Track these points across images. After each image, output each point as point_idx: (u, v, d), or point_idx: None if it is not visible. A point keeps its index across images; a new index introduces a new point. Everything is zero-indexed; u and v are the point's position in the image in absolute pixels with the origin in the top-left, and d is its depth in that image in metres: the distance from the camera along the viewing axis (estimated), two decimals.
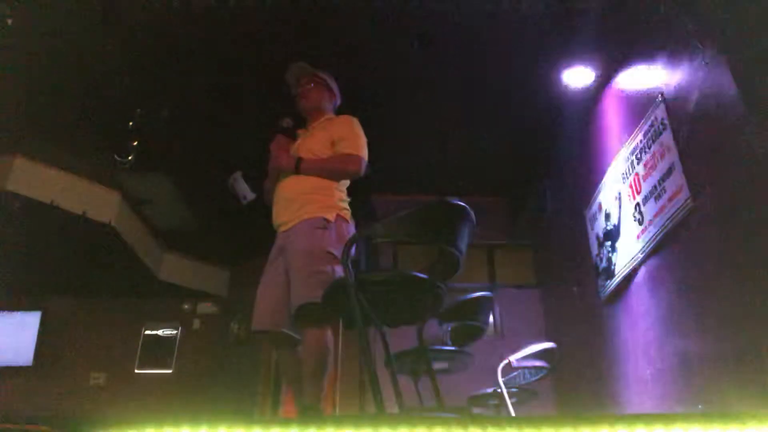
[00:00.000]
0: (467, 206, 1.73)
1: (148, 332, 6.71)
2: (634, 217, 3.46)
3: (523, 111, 4.52)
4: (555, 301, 5.22)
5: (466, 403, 3.36)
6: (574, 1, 3.50)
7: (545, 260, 5.58)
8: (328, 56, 3.62)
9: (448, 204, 1.72)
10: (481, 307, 2.73)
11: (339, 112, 2.65)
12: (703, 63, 2.70)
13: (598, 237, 4.08)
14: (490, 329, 5.30)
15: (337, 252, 2.12)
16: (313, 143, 2.43)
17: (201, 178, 5.17)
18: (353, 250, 1.69)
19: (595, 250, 4.11)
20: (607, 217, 3.91)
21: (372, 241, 4.36)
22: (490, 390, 3.13)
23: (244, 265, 6.38)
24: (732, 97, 2.48)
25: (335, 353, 2.80)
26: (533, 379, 3.27)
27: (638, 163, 3.43)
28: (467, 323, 2.68)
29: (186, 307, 6.85)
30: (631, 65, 3.65)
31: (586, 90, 4.16)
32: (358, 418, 1.10)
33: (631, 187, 3.54)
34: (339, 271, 2.08)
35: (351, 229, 2.31)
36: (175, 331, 6.75)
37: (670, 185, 3.01)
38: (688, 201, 2.82)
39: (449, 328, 2.68)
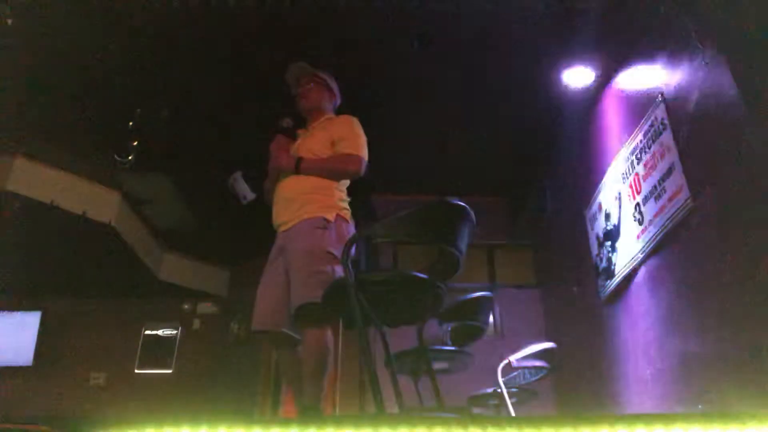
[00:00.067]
0: (467, 206, 1.73)
1: (148, 332, 6.71)
2: (634, 217, 3.46)
3: (523, 111, 4.52)
4: (555, 301, 5.22)
5: (466, 403, 3.36)
6: (574, 1, 3.50)
7: (545, 260, 5.58)
8: (328, 56, 3.63)
9: (448, 204, 1.72)
10: (481, 307, 2.73)
11: (339, 111, 2.65)
12: (703, 63, 2.70)
13: (598, 237, 4.08)
14: (490, 329, 5.30)
15: (337, 252, 2.12)
16: (313, 143, 2.43)
17: (201, 178, 5.17)
18: (353, 250, 1.69)
19: (595, 250, 4.11)
20: (607, 217, 3.91)
21: (372, 241, 4.36)
22: (490, 390, 3.13)
23: (244, 265, 6.38)
24: (732, 97, 2.48)
25: (335, 353, 2.80)
26: (533, 379, 3.27)
27: (638, 163, 3.43)
28: (467, 323, 2.67)
29: (186, 307, 6.85)
30: (631, 65, 3.65)
31: (586, 90, 4.16)
32: (358, 418, 1.10)
33: (631, 187, 3.54)
34: (339, 271, 2.08)
35: (351, 229, 2.31)
36: (175, 331, 6.75)
37: (670, 185, 3.01)
38: (688, 201, 2.82)
39: (449, 328, 2.68)
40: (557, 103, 4.36)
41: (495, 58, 4.02)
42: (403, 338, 2.39)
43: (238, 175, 2.60)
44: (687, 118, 2.87)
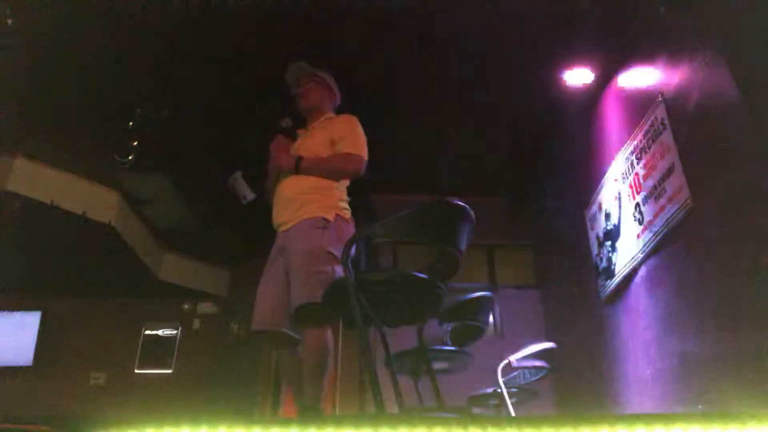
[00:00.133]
0: (467, 206, 1.73)
1: (148, 332, 6.70)
2: (634, 217, 3.46)
3: (524, 111, 4.52)
4: (555, 301, 5.22)
5: (466, 403, 3.36)
6: (575, 1, 3.50)
7: (545, 260, 5.58)
8: (327, 56, 3.62)
9: (448, 204, 1.72)
10: (481, 307, 2.73)
11: (339, 111, 2.65)
12: (703, 63, 2.70)
13: (598, 237, 4.08)
14: (490, 329, 5.30)
15: (337, 252, 2.11)
16: (313, 143, 2.43)
17: (201, 178, 5.17)
18: (353, 250, 1.69)
19: (595, 250, 4.11)
20: (607, 217, 3.91)
21: (372, 241, 4.36)
22: (490, 390, 3.13)
23: (244, 265, 6.38)
24: (732, 97, 2.48)
25: (335, 353, 2.80)
26: (533, 379, 3.27)
27: (638, 163, 3.43)
28: (467, 323, 2.68)
29: (186, 307, 6.85)
30: (631, 65, 3.65)
31: (586, 90, 4.16)
32: (358, 418, 1.10)
33: (631, 187, 3.54)
34: (339, 271, 2.08)
35: (351, 229, 2.31)
36: (175, 331, 6.74)
37: (670, 185, 3.01)
38: (688, 201, 2.82)
39: (449, 328, 2.68)
40: (557, 103, 4.36)
41: (495, 58, 4.02)
42: (403, 338, 2.39)
43: (238, 175, 2.61)
44: (687, 118, 2.87)
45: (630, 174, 3.55)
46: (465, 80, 4.25)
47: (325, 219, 2.22)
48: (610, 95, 3.98)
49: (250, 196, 2.60)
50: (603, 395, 3.89)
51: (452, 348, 2.69)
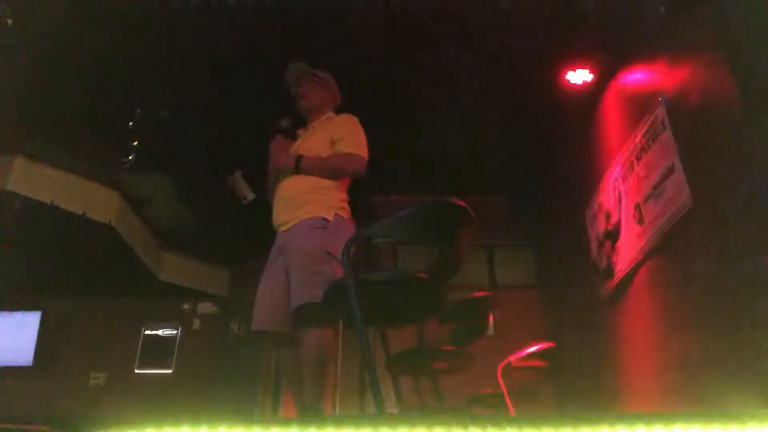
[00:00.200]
0: (467, 206, 1.73)
1: (148, 332, 6.70)
2: (634, 217, 3.46)
3: (524, 111, 4.52)
4: (555, 301, 5.22)
5: (466, 403, 3.36)
6: (575, 1, 3.50)
7: (545, 260, 5.58)
8: (327, 56, 3.62)
9: (448, 204, 1.72)
10: (481, 307, 2.73)
11: (339, 111, 2.65)
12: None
13: (598, 237, 4.08)
14: (490, 329, 5.30)
15: (337, 252, 2.11)
16: (313, 143, 2.43)
17: (201, 178, 5.16)
18: (353, 249, 1.69)
19: (595, 250, 4.11)
20: (607, 217, 3.91)
21: (372, 241, 4.35)
22: (490, 390, 3.13)
23: (244, 265, 6.37)
24: (732, 97, 2.48)
25: (335, 353, 2.80)
26: (533, 379, 3.27)
27: (638, 163, 3.43)
28: (467, 323, 2.68)
29: (186, 307, 6.85)
30: (631, 65, 3.65)
31: (587, 90, 4.15)
32: (358, 418, 1.10)
33: (631, 187, 3.54)
34: (339, 270, 2.08)
35: (351, 229, 2.31)
36: (175, 331, 6.74)
37: (670, 185, 3.01)
38: (688, 201, 2.82)
39: (449, 328, 2.68)
40: (558, 103, 4.36)
41: (496, 58, 4.02)
42: (403, 338, 2.39)
43: (238, 175, 2.61)
44: (687, 118, 2.87)
45: (630, 174, 3.55)
46: (465, 80, 4.24)
47: (324, 219, 2.22)
48: (610, 95, 3.98)
49: (250, 196, 2.61)
50: (603, 395, 3.89)
51: (452, 348, 2.69)
